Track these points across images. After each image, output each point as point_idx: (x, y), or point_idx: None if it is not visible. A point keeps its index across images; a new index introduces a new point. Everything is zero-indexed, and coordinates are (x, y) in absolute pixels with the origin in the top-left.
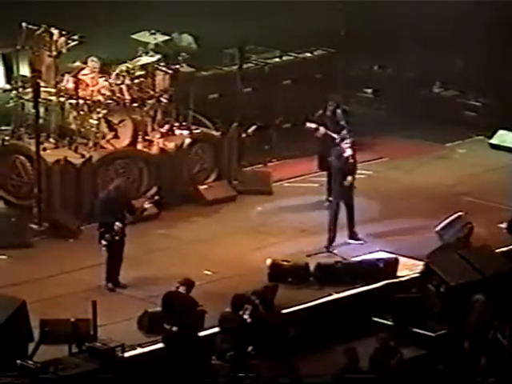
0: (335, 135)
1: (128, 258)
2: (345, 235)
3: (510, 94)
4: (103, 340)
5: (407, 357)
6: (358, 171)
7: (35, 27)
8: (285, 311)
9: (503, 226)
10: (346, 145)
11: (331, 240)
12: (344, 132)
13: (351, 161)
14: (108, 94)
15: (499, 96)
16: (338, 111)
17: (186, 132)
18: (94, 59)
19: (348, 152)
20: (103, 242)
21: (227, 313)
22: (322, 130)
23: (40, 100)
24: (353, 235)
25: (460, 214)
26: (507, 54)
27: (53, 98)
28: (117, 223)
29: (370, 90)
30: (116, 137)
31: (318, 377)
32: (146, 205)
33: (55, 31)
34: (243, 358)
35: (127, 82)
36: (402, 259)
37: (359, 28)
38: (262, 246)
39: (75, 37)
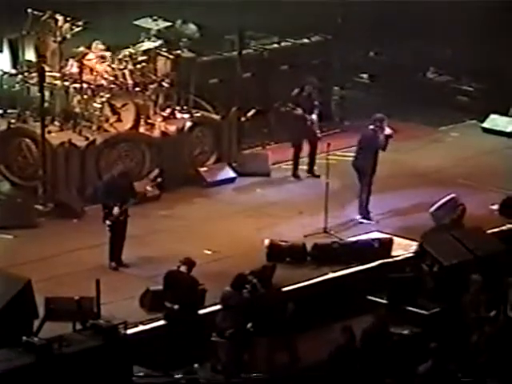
0: (307, 116)
1: (130, 238)
2: (345, 215)
3: (501, 79)
4: (106, 317)
5: (401, 335)
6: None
7: (40, 13)
8: (283, 289)
9: (495, 207)
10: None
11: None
12: (316, 111)
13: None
14: (111, 78)
15: (491, 81)
16: (315, 92)
17: (186, 116)
18: (99, 43)
19: (387, 130)
20: (107, 222)
21: (229, 291)
22: (299, 110)
23: (45, 84)
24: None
25: (453, 195)
26: (499, 40)
27: (57, 82)
28: (116, 208)
29: (366, 76)
30: (119, 120)
31: (316, 355)
32: (149, 188)
33: (60, 17)
34: (243, 335)
35: (130, 66)
36: (396, 239)
37: (356, 15)
38: (260, 226)
39: (79, 23)
